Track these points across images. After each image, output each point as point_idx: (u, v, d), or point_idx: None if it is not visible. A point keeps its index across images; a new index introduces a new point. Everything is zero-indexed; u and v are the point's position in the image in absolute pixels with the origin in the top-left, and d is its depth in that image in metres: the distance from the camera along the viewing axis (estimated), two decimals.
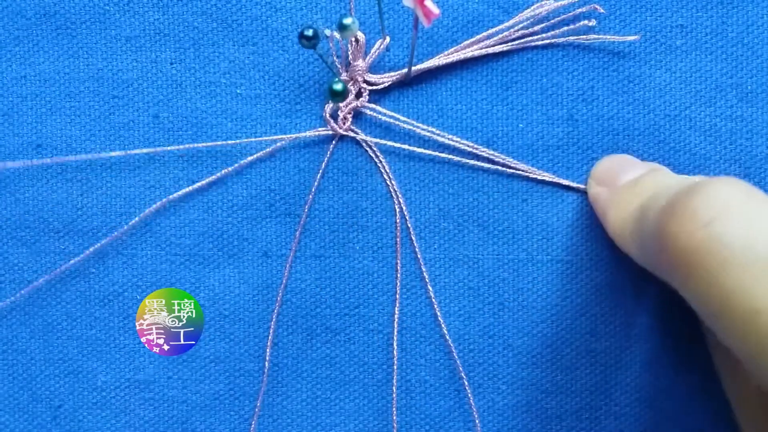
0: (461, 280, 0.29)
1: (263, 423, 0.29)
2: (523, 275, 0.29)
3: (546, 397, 0.29)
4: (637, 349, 0.29)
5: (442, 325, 0.29)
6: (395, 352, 0.29)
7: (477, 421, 0.29)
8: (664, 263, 0.21)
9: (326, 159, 0.29)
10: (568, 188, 0.29)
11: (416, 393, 0.29)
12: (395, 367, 0.29)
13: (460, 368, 0.29)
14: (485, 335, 0.29)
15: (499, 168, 0.28)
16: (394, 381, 0.29)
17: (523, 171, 0.28)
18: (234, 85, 0.29)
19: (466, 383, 0.29)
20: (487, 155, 0.28)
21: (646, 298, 0.28)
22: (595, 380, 0.29)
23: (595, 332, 0.29)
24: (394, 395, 0.29)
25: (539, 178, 0.28)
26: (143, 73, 0.29)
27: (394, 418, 0.29)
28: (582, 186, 0.29)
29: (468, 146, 0.28)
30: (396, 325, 0.29)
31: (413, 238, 0.29)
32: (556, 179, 0.29)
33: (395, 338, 0.29)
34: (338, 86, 0.27)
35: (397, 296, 0.29)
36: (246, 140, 0.29)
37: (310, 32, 0.26)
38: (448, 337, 0.29)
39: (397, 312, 0.29)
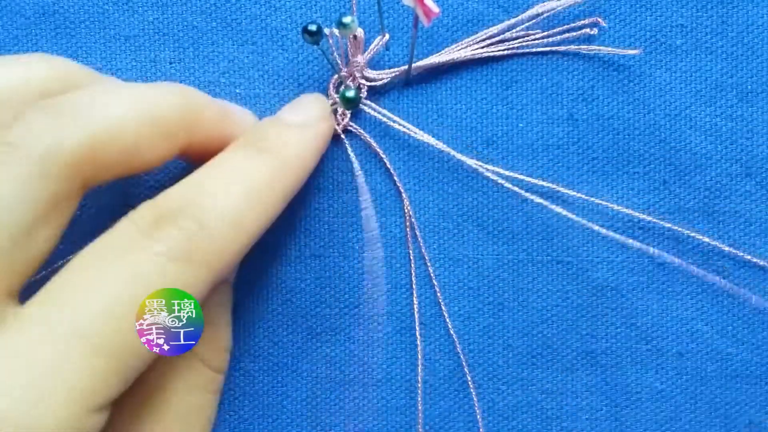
0: (461, 280, 0.29)
1: (263, 423, 0.29)
2: (523, 275, 0.29)
3: (546, 397, 0.29)
4: (637, 350, 0.29)
5: (449, 324, 0.29)
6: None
7: (480, 421, 0.29)
8: None
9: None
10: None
11: (416, 393, 0.29)
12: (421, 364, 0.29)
13: (466, 368, 0.29)
14: (485, 335, 0.29)
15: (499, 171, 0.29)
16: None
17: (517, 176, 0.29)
18: (233, 85, 0.29)
19: (471, 383, 0.29)
20: (481, 167, 0.28)
21: (646, 299, 0.28)
22: (595, 381, 0.29)
23: (595, 333, 0.29)
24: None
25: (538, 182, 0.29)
26: (142, 73, 0.29)
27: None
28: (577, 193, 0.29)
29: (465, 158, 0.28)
30: (417, 321, 0.29)
31: (418, 235, 0.29)
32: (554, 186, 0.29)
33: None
34: (350, 93, 0.27)
35: (414, 291, 0.29)
36: None
37: (313, 27, 0.26)
38: (455, 337, 0.29)
39: (416, 303, 0.29)
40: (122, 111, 0.22)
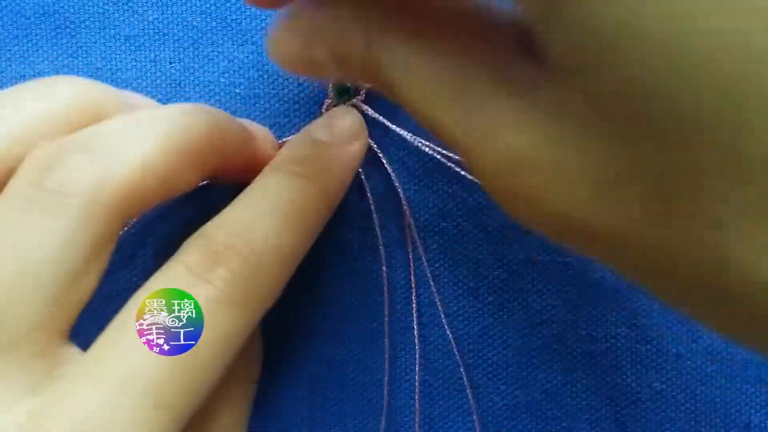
0: (461, 280, 0.29)
1: (263, 423, 0.29)
2: (523, 275, 0.29)
3: (546, 397, 0.29)
4: (637, 350, 0.29)
5: (445, 325, 0.29)
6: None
7: (476, 422, 0.29)
8: None
9: None
10: None
11: (416, 393, 0.29)
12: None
13: (463, 369, 0.29)
14: (485, 335, 0.29)
15: None
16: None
17: None
18: (233, 85, 0.29)
19: (467, 383, 0.29)
20: None
21: (646, 299, 0.28)
22: (595, 381, 0.29)
23: (595, 333, 0.29)
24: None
25: None
26: (142, 73, 0.29)
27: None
28: None
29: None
30: (416, 323, 0.29)
31: (416, 236, 0.29)
32: None
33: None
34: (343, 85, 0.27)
35: (413, 291, 0.29)
36: None
37: None
38: (452, 337, 0.29)
39: (415, 303, 0.29)
40: (157, 143, 0.21)
